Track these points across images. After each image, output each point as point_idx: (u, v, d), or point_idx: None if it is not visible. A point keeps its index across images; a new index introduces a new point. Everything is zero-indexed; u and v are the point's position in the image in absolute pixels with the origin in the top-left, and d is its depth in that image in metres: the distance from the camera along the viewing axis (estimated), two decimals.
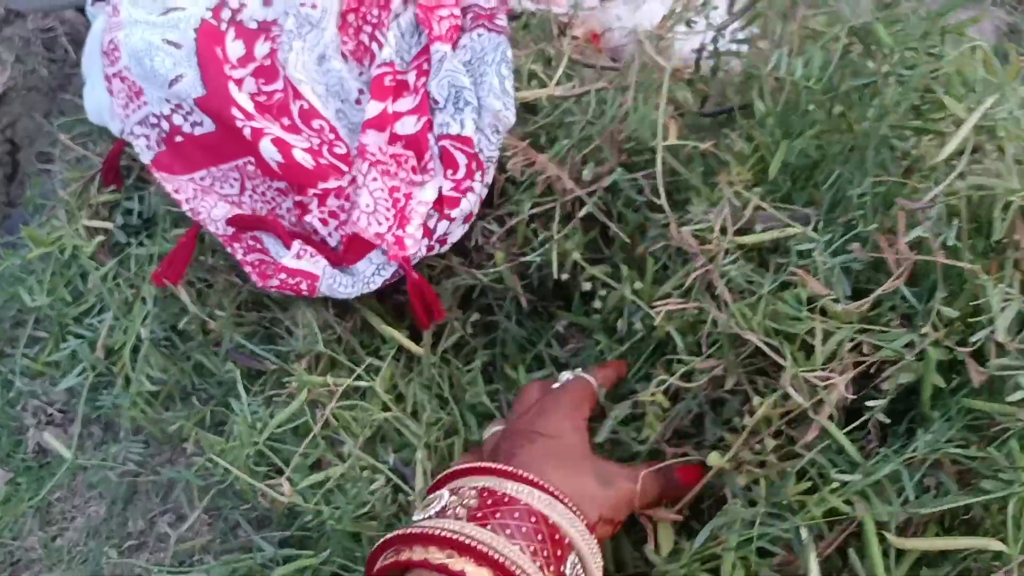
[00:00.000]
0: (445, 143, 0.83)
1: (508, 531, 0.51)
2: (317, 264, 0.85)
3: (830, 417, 0.52)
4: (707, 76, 0.79)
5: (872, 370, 0.54)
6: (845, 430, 0.53)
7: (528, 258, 0.77)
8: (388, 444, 0.81)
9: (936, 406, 0.53)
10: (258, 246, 0.91)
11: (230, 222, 0.91)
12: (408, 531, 0.52)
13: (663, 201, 0.61)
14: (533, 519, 0.53)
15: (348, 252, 0.84)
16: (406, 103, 0.87)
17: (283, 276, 0.86)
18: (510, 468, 0.56)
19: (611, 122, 0.71)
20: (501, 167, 0.82)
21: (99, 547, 0.91)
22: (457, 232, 0.83)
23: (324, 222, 0.86)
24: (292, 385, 0.83)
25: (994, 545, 0.48)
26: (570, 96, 0.78)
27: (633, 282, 0.66)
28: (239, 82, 0.91)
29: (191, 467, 0.95)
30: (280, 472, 0.76)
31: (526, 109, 0.84)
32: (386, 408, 0.81)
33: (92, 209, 1.04)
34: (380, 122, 0.85)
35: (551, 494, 0.55)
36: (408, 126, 0.85)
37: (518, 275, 0.81)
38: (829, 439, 0.53)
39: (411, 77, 0.87)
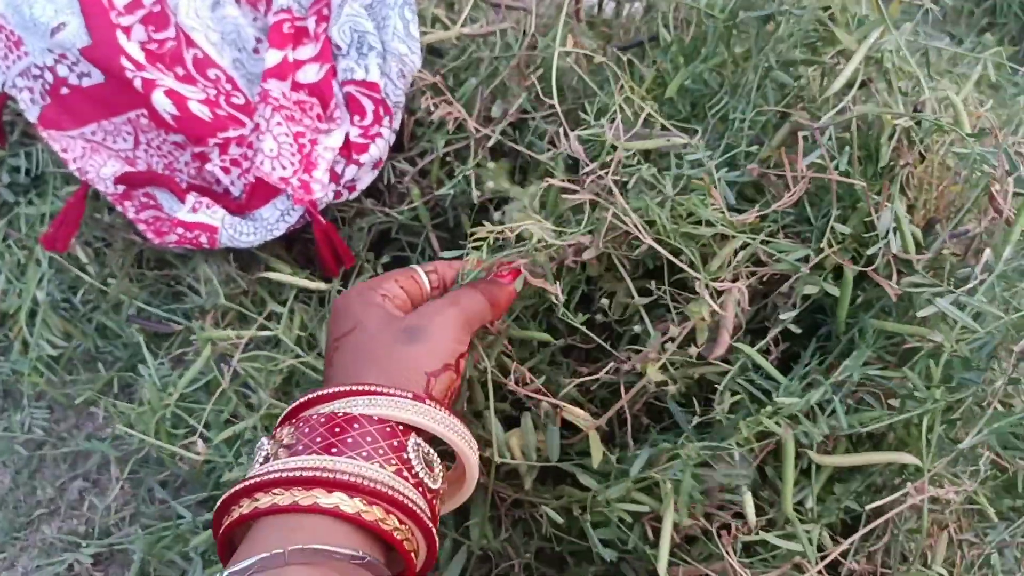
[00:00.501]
0: (350, 89, 0.81)
1: (335, 449, 0.48)
2: (215, 215, 0.83)
3: (737, 328, 0.54)
4: (610, 18, 0.79)
5: (764, 280, 0.56)
6: (756, 347, 0.55)
7: (444, 189, 0.76)
8: (303, 389, 0.80)
9: (850, 325, 0.55)
10: (151, 202, 0.87)
11: (119, 180, 0.87)
12: (239, 487, 0.48)
13: (555, 102, 0.60)
14: (356, 425, 0.49)
15: (252, 199, 0.82)
16: (307, 51, 0.84)
17: (180, 231, 0.83)
18: (314, 394, 0.52)
19: (519, 59, 0.71)
20: (409, 110, 0.81)
21: (6, 517, 0.88)
22: (366, 179, 0.81)
23: (226, 171, 0.83)
24: (197, 342, 0.81)
25: (908, 459, 0.51)
26: (477, 36, 0.77)
27: (535, 193, 0.65)
28: (127, 30, 0.87)
29: (99, 432, 0.92)
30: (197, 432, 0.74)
31: (431, 52, 0.83)
32: (297, 355, 0.79)
33: None
34: (281, 71, 0.83)
35: (363, 393, 0.51)
36: (310, 74, 0.83)
37: (433, 215, 0.80)
38: (741, 356, 0.54)
39: (311, 23, 0.85)
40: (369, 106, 0.80)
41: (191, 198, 0.84)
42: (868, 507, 0.51)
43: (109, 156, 0.89)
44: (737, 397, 0.53)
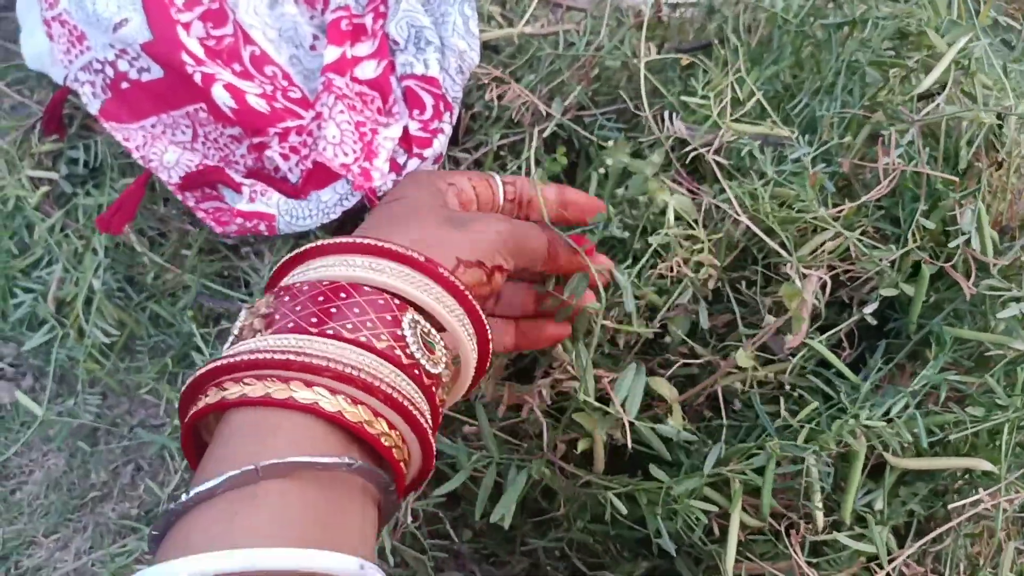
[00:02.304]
0: (409, 83, 0.79)
1: (314, 320, 0.40)
2: (270, 202, 0.81)
3: (815, 318, 0.52)
4: (665, 21, 0.77)
5: (843, 277, 0.54)
6: (826, 334, 0.53)
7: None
8: None
9: (920, 326, 0.53)
10: (214, 193, 0.86)
11: (183, 185, 0.86)
12: (203, 370, 0.40)
13: (646, 112, 0.58)
14: (342, 295, 0.41)
15: (307, 183, 0.80)
16: (365, 48, 0.83)
17: (240, 220, 0.82)
18: (312, 245, 0.44)
19: (580, 59, 0.69)
20: (465, 104, 0.80)
21: (61, 499, 0.87)
22: None
23: (285, 157, 0.82)
24: None
25: (984, 465, 0.49)
26: (538, 35, 0.75)
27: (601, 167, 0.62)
28: (187, 26, 0.86)
29: (152, 418, 0.92)
30: None
31: (487, 48, 0.81)
32: None
33: (34, 159, 0.97)
34: (339, 67, 0.81)
35: (370, 250, 0.43)
36: (368, 71, 0.82)
37: None
38: (814, 353, 0.52)
39: (368, 20, 0.83)
40: (429, 100, 0.78)
41: (246, 189, 0.83)
42: (949, 507, 0.49)
43: (168, 145, 0.88)
44: (813, 406, 0.51)
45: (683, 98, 0.55)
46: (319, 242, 0.44)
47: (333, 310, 0.40)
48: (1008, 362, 0.48)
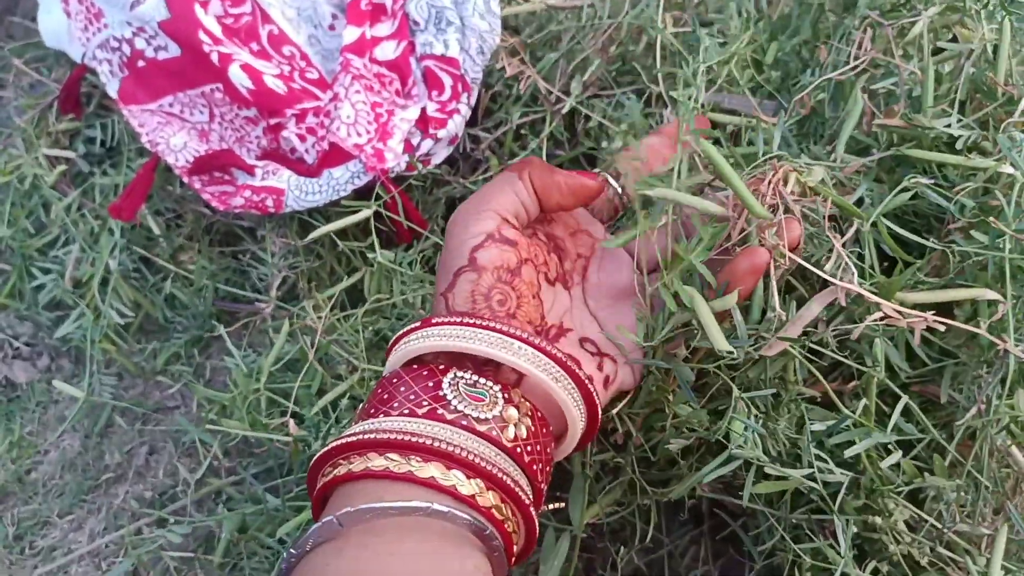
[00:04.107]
0: (429, 63, 0.78)
1: (381, 409, 0.43)
2: (281, 178, 0.80)
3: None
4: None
5: None
6: None
7: (524, 155, 0.74)
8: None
9: None
10: (225, 177, 0.85)
11: (193, 169, 0.84)
12: (336, 444, 0.42)
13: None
14: (394, 380, 0.44)
15: (322, 164, 0.79)
16: (384, 28, 0.81)
17: (247, 194, 0.80)
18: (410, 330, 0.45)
19: (600, 29, 0.67)
20: (486, 85, 0.78)
21: (75, 480, 0.86)
22: (441, 153, 0.78)
23: (302, 138, 0.81)
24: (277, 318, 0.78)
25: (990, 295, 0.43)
26: (563, 7, 0.73)
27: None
28: (204, 4, 0.84)
29: (167, 400, 0.91)
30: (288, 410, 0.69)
31: (507, 28, 0.79)
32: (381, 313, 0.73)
33: (51, 137, 0.96)
34: (358, 48, 0.80)
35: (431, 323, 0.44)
36: (387, 51, 0.80)
37: None
38: None
39: (388, 0, 0.81)
40: (448, 81, 0.77)
41: (259, 170, 0.82)
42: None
43: (181, 127, 0.87)
44: None
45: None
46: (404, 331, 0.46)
47: (385, 396, 0.43)
48: None
